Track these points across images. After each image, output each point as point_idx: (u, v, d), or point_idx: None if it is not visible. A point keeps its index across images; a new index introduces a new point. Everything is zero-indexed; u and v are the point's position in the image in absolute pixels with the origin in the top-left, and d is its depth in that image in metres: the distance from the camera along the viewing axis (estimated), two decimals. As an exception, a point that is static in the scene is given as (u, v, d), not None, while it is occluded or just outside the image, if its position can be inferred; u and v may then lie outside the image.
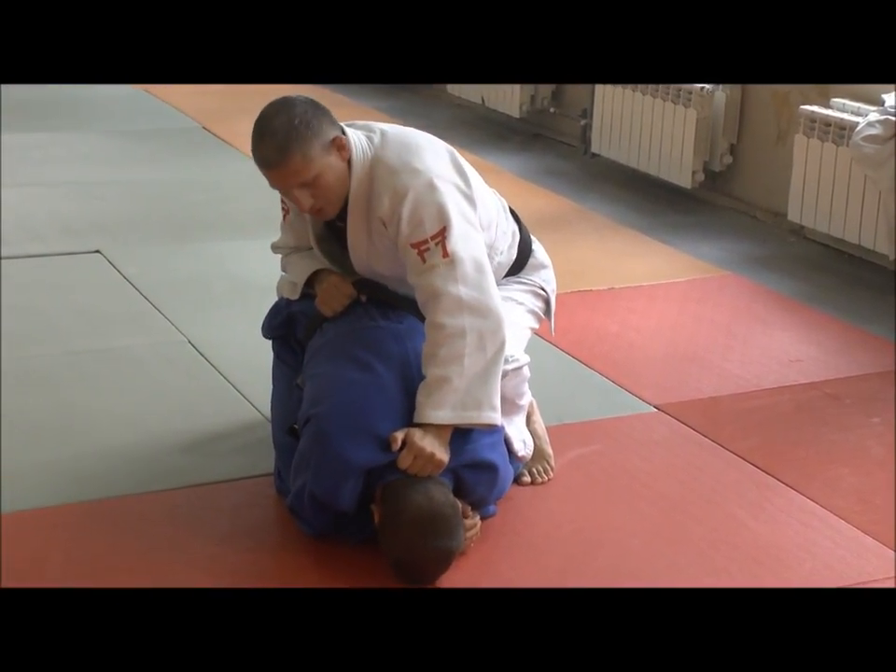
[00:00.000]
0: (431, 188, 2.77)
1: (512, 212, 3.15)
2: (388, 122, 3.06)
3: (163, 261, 4.62)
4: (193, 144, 6.11)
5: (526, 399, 3.11)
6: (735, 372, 3.88)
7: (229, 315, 4.12)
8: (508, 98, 6.57)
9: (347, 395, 2.78)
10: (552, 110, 6.56)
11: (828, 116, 4.80)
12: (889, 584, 2.80)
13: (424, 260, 2.75)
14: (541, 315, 3.22)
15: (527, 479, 3.12)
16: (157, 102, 6.90)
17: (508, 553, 2.88)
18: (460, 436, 2.78)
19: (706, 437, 3.46)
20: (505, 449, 2.92)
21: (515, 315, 3.08)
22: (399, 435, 2.71)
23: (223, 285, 4.41)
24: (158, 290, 4.31)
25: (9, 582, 2.66)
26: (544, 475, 3.15)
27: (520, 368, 3.02)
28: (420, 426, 2.73)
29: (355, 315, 2.94)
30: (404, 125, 3.03)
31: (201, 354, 3.83)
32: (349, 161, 2.79)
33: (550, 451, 3.19)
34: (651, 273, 4.73)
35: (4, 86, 6.40)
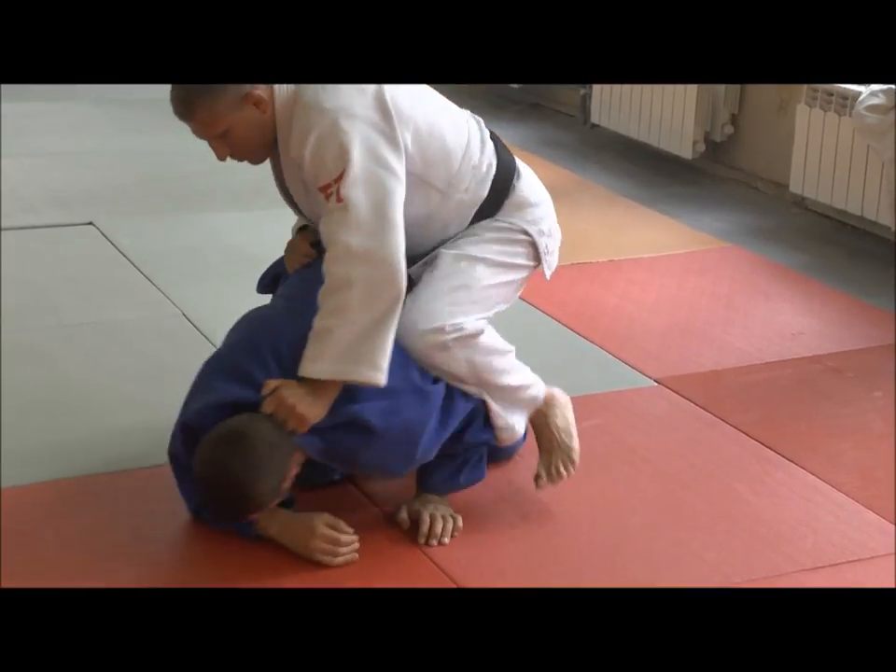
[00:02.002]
0: (334, 127, 2.59)
1: (497, 141, 2.91)
2: None
3: (157, 233, 4.59)
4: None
5: (509, 377, 2.84)
6: (735, 345, 3.86)
7: (223, 287, 4.09)
8: (506, 68, 6.52)
9: (245, 332, 2.75)
10: (551, 80, 6.52)
11: (830, 86, 4.75)
12: (890, 560, 2.79)
13: (328, 204, 2.61)
14: (524, 263, 2.89)
15: (543, 479, 2.91)
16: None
17: (504, 527, 2.87)
18: (345, 394, 2.62)
19: (706, 411, 3.45)
20: (408, 419, 2.67)
21: (469, 273, 2.79)
22: (273, 383, 2.60)
23: (217, 256, 4.39)
24: (151, 262, 4.29)
25: (6, 565, 2.65)
26: (562, 471, 2.92)
27: (466, 336, 2.75)
28: (300, 378, 2.60)
29: (311, 269, 2.83)
30: None
31: (195, 326, 3.81)
32: (273, 105, 2.67)
33: (574, 445, 2.94)
34: (652, 244, 4.71)
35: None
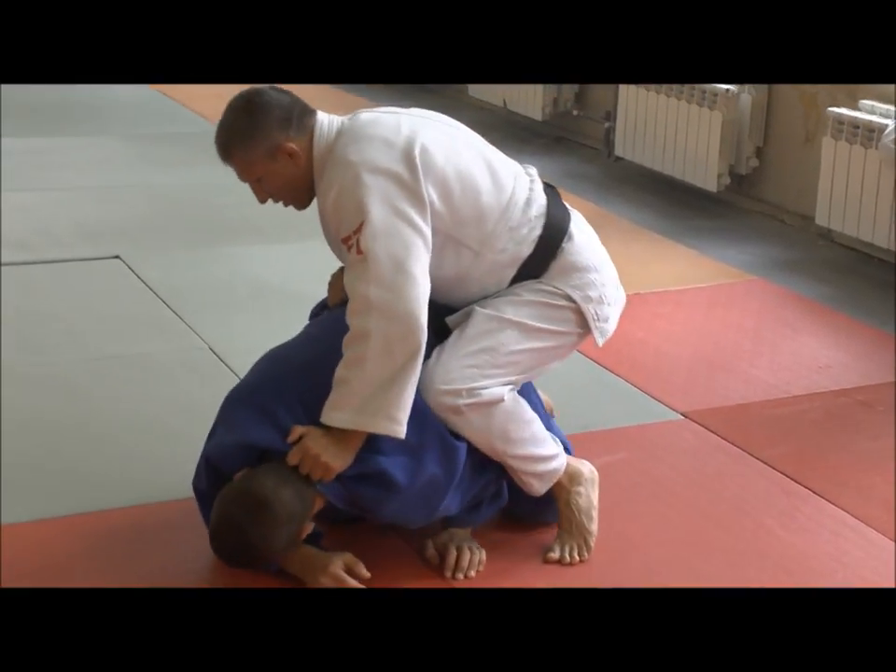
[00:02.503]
0: (356, 181, 2.59)
1: (553, 198, 2.83)
2: None
3: (184, 266, 4.61)
4: (211, 147, 6.09)
5: (525, 448, 2.77)
6: (763, 379, 3.84)
7: (250, 321, 4.10)
8: (530, 100, 6.54)
9: (272, 370, 2.74)
10: (575, 113, 6.54)
11: (856, 118, 4.76)
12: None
13: (349, 256, 2.62)
14: (564, 329, 2.80)
15: (554, 555, 2.84)
16: (174, 105, 6.92)
17: (528, 558, 2.85)
18: (370, 445, 2.62)
19: (734, 444, 3.43)
20: (433, 475, 2.66)
21: (497, 336, 2.73)
22: (300, 430, 2.61)
23: (244, 290, 4.40)
24: (178, 296, 4.30)
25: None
26: (575, 555, 2.84)
27: (482, 404, 2.70)
28: (326, 426, 2.61)
29: (343, 309, 2.81)
30: None
31: (221, 360, 3.80)
32: (311, 155, 2.69)
33: (592, 528, 2.86)
34: (677, 277, 4.71)
35: (22, 90, 6.41)
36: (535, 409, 2.85)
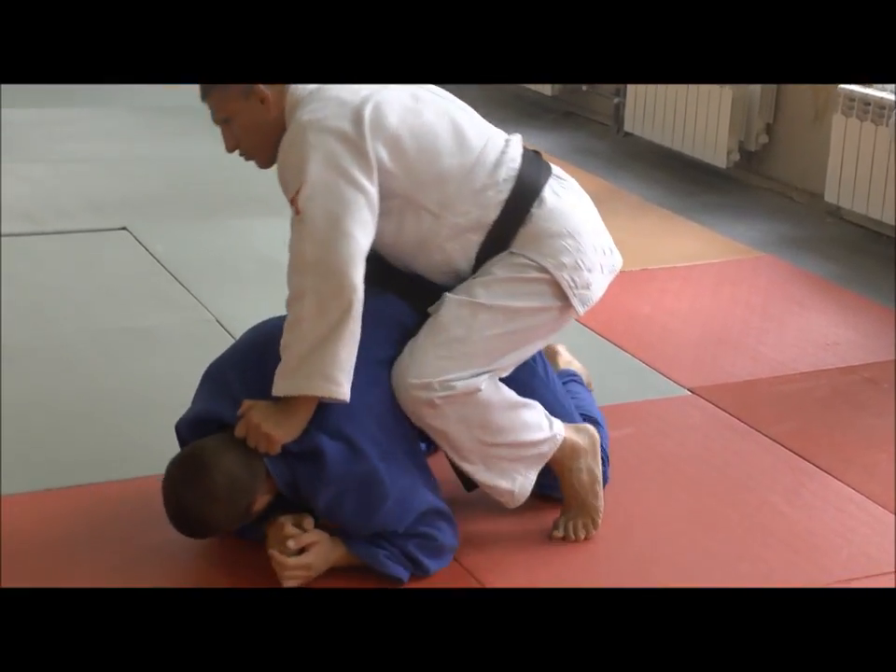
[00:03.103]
0: (302, 141, 2.56)
1: (529, 162, 2.73)
2: None
3: (190, 239, 4.61)
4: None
5: (510, 435, 2.70)
6: (770, 355, 3.84)
7: (256, 293, 4.09)
8: (540, 76, 6.53)
9: (243, 344, 2.75)
10: (584, 88, 6.53)
11: (867, 94, 4.75)
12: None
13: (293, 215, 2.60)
14: (542, 305, 2.69)
15: (559, 533, 2.81)
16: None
17: (535, 534, 2.85)
18: (313, 423, 2.56)
19: (740, 421, 3.43)
20: (369, 470, 2.57)
21: (469, 322, 2.63)
22: (249, 403, 2.57)
23: (250, 262, 4.40)
24: (185, 268, 4.31)
25: (30, 564, 2.68)
26: (580, 533, 2.81)
27: (456, 395, 2.62)
28: (277, 398, 2.56)
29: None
30: None
31: (228, 332, 3.80)
32: (284, 109, 2.66)
33: (598, 504, 2.82)
34: (685, 253, 4.70)
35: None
36: (544, 384, 2.83)
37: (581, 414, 3.01)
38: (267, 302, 3.94)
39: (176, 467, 2.60)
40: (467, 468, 2.72)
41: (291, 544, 2.60)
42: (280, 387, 2.55)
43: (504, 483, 2.74)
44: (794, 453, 3.27)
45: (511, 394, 2.72)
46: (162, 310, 4.00)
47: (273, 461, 2.57)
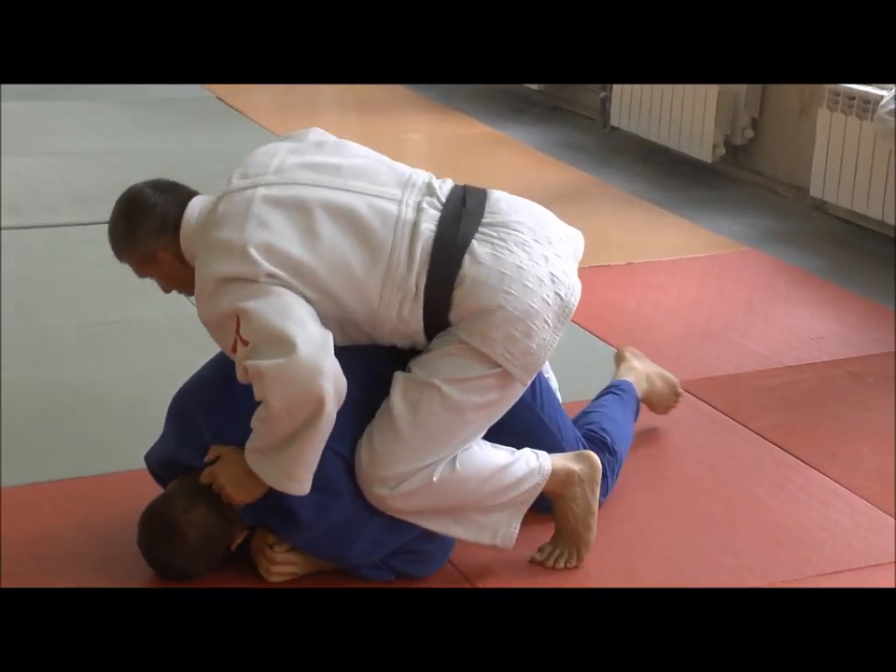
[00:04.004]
0: (211, 297, 2.52)
1: (452, 215, 2.56)
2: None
3: (178, 232, 4.61)
4: (207, 113, 6.10)
5: (480, 496, 2.62)
6: (755, 349, 3.86)
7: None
8: (526, 70, 6.54)
9: (211, 384, 2.68)
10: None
11: (852, 89, 4.77)
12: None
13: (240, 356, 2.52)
14: (485, 373, 2.55)
15: (540, 556, 2.76)
16: (171, 71, 6.90)
17: (522, 529, 2.81)
18: None
19: (725, 414, 3.45)
20: (343, 519, 2.58)
21: (420, 407, 2.54)
22: (217, 451, 2.58)
23: (238, 256, 4.40)
24: (172, 261, 4.31)
25: (23, 558, 2.69)
26: (560, 562, 2.74)
27: (408, 493, 2.56)
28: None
29: None
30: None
31: (214, 326, 3.81)
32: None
33: (588, 537, 2.74)
34: (671, 247, 4.72)
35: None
36: (535, 418, 2.79)
37: (592, 432, 3.01)
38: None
39: (147, 528, 2.62)
40: (442, 531, 2.66)
41: (276, 545, 2.63)
42: (249, 458, 2.53)
43: (485, 538, 2.69)
44: (778, 446, 3.29)
45: (477, 461, 2.62)
46: (149, 303, 3.94)
47: (244, 508, 2.59)
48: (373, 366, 2.63)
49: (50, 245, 4.47)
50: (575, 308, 2.61)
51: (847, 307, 4.23)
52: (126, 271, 4.29)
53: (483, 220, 2.58)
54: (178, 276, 2.69)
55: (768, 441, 3.31)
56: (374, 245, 2.53)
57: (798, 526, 2.93)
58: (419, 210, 2.57)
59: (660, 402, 3.31)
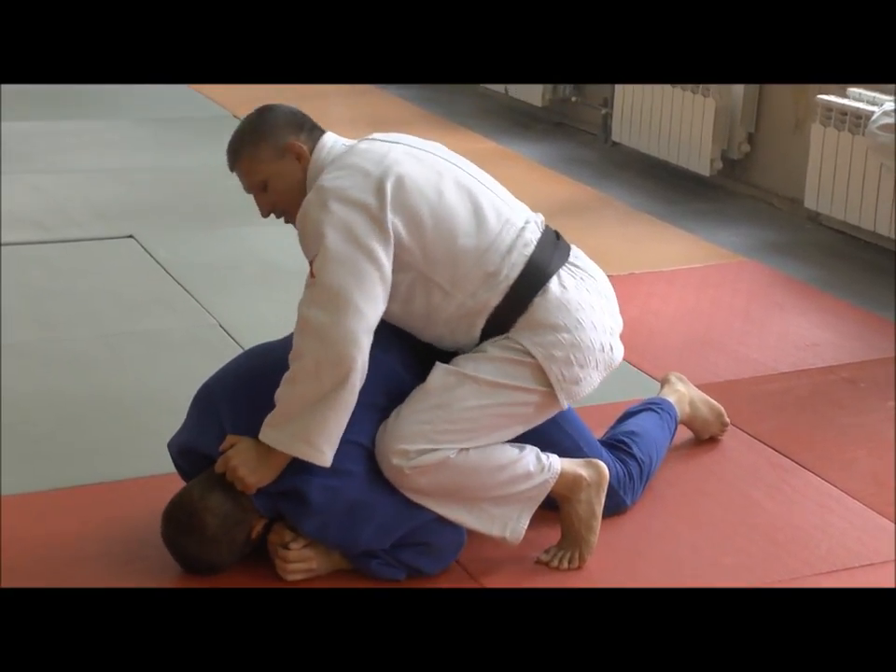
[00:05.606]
0: (322, 207, 2.55)
1: (544, 250, 2.69)
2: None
3: (195, 246, 4.67)
4: (223, 131, 6.08)
5: (491, 491, 2.68)
6: (752, 356, 3.89)
7: (259, 299, 4.16)
8: (530, 87, 6.58)
9: (235, 374, 2.73)
10: (573, 99, 6.59)
11: (844, 105, 4.81)
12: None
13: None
14: (526, 386, 2.64)
15: (545, 557, 2.79)
16: (187, 90, 6.92)
17: (534, 534, 2.84)
18: (294, 463, 2.58)
19: (723, 419, 3.44)
20: (355, 501, 2.61)
21: (452, 392, 2.61)
22: (232, 439, 2.61)
23: (253, 269, 4.46)
24: (189, 274, 4.36)
25: (30, 564, 2.73)
26: (564, 562, 2.78)
27: (427, 466, 2.60)
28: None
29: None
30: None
31: (231, 337, 3.88)
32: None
33: (592, 539, 2.78)
34: (671, 258, 4.74)
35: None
36: (552, 421, 2.80)
37: (616, 437, 3.05)
38: (269, 307, 4.07)
39: (168, 520, 2.67)
40: (452, 518, 2.69)
41: (292, 542, 2.68)
42: (265, 434, 2.57)
43: (495, 530, 2.73)
44: (775, 450, 3.32)
45: (488, 450, 2.68)
46: (168, 315, 4.05)
47: (256, 496, 2.62)
48: (399, 374, 2.71)
49: (72, 258, 4.51)
50: (616, 367, 2.80)
51: (841, 315, 4.25)
52: (145, 282, 4.39)
53: (569, 259, 2.76)
54: (290, 189, 2.66)
55: (765, 444, 3.34)
56: (483, 228, 2.67)
57: (795, 528, 2.95)
58: (526, 222, 2.73)
59: (705, 429, 3.32)
